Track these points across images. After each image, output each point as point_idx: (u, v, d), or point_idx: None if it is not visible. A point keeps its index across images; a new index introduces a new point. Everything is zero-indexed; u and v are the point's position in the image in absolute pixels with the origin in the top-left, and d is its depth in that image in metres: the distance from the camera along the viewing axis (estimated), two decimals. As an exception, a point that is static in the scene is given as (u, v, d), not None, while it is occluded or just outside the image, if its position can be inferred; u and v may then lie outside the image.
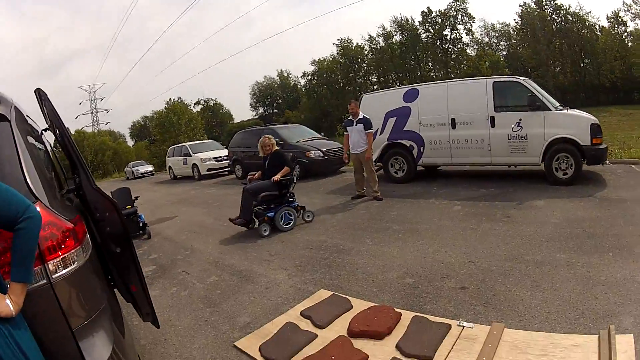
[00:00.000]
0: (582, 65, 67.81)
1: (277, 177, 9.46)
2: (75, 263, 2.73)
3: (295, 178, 10.05)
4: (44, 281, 2.54)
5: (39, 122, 4.35)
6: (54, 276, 2.57)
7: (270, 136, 10.53)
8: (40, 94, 3.78)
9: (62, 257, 2.65)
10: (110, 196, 3.40)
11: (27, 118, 3.50)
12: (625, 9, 64.55)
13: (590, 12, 68.15)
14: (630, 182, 10.50)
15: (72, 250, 2.72)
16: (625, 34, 65.42)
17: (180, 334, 5.06)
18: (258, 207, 9.39)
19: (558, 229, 7.15)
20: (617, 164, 13.06)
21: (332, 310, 4.69)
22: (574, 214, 8.00)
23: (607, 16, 67.17)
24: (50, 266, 2.57)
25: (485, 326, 4.06)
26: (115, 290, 4.14)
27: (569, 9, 67.68)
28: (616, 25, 65.94)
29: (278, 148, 10.28)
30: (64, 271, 2.64)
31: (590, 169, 11.51)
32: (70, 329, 2.58)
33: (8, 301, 2.22)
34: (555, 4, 68.63)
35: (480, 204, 9.63)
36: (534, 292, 4.84)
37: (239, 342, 4.52)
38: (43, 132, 4.39)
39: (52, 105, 3.71)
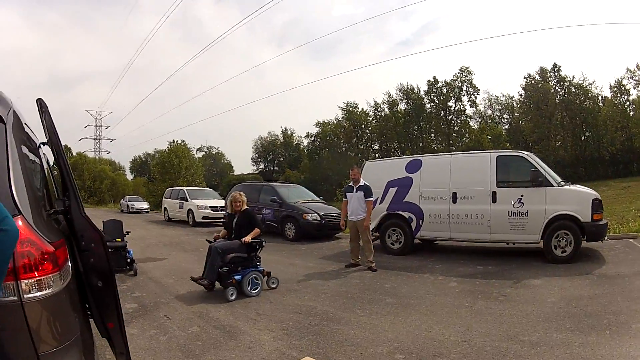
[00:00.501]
0: (582, 138, 68.44)
1: (248, 239, 8.99)
2: (51, 288, 2.66)
3: (264, 242, 9.58)
4: (15, 298, 2.49)
5: (39, 134, 4.28)
6: (26, 296, 2.52)
7: (242, 193, 10.25)
8: (41, 105, 3.70)
9: (37, 279, 2.59)
10: (98, 227, 3.41)
11: (24, 126, 3.43)
12: (629, 76, 65.63)
13: (593, 82, 68.62)
14: (629, 257, 10.60)
15: (49, 275, 2.66)
16: (628, 102, 66.25)
17: None
18: (223, 269, 8.77)
19: (555, 308, 7.08)
20: (616, 239, 13.05)
21: None
22: (571, 293, 7.95)
23: (610, 85, 68.09)
24: (23, 285, 2.52)
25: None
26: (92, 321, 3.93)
27: (572, 79, 68.72)
28: (619, 95, 66.78)
29: (248, 207, 9.91)
30: (38, 294, 2.58)
31: (588, 245, 11.39)
32: (36, 353, 2.52)
33: None
34: (560, 75, 69.54)
35: (477, 282, 9.51)
36: (529, 375, 4.62)
37: None
38: (41, 145, 4.32)
39: (52, 120, 3.63)
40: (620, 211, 20.78)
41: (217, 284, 8.93)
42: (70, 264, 3.08)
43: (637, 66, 64.56)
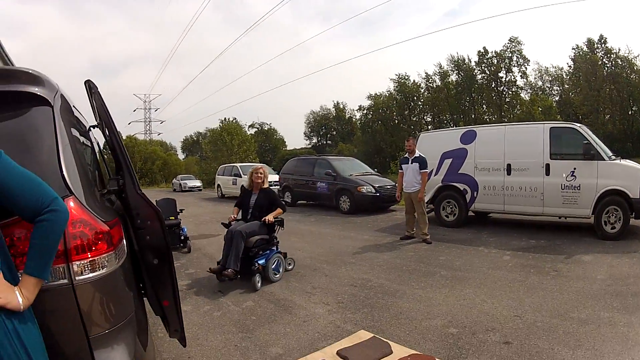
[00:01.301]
0: (630, 112, 66.27)
1: (271, 218, 8.27)
2: (105, 269, 2.66)
3: (283, 221, 8.82)
4: (65, 281, 2.48)
5: (89, 119, 4.34)
6: (77, 278, 2.51)
7: (265, 167, 9.68)
8: (90, 86, 3.70)
9: (90, 259, 2.57)
10: (155, 204, 3.33)
11: (73, 109, 3.45)
12: None
13: (638, 55, 66.74)
14: None
15: (104, 255, 2.65)
16: None
17: (206, 355, 5.01)
18: (248, 254, 7.91)
19: (604, 286, 7.06)
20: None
21: (370, 353, 4.47)
22: (619, 271, 7.90)
23: (655, 59, 65.78)
24: (74, 267, 2.50)
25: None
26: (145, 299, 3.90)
27: (618, 52, 66.51)
28: None
29: (269, 185, 9.06)
30: (91, 275, 2.57)
31: (637, 223, 11.31)
32: (87, 336, 2.53)
33: (18, 293, 2.10)
34: (606, 47, 67.51)
35: (530, 256, 9.46)
36: (576, 351, 4.76)
37: None
38: (91, 128, 4.37)
39: (102, 100, 3.56)
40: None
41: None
42: (125, 243, 3.08)
43: None
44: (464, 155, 13.22)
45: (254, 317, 6.22)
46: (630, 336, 5.03)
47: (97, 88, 3.61)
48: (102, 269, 2.63)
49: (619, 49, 66.47)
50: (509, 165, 12.25)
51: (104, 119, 3.68)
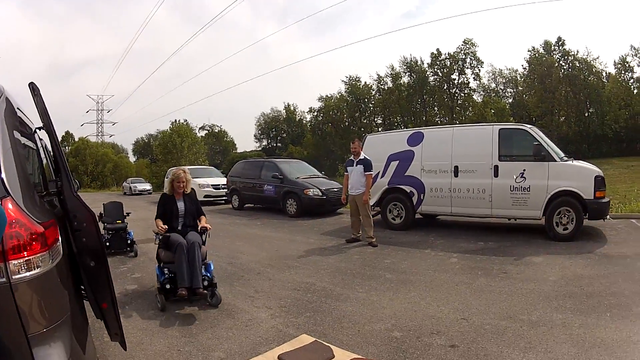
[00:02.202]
0: (586, 114, 68.22)
1: (209, 226, 7.46)
2: (39, 268, 2.68)
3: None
4: (4, 279, 2.52)
5: (36, 121, 4.27)
6: (14, 277, 2.55)
7: (187, 170, 7.90)
8: (33, 88, 3.68)
9: (26, 259, 2.62)
10: (91, 208, 3.46)
11: (17, 111, 3.49)
12: (633, 54, 65.31)
13: (597, 57, 68.38)
14: (631, 237, 10.53)
15: (38, 255, 2.69)
16: (632, 80, 66.15)
17: (149, 359, 4.94)
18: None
19: (556, 287, 7.02)
20: (618, 218, 13.05)
21: (312, 357, 4.41)
22: (572, 272, 7.87)
23: (615, 62, 67.79)
24: (11, 266, 2.55)
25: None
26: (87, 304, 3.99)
27: (576, 54, 68.34)
28: (623, 72, 66.55)
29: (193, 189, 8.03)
30: (27, 274, 2.61)
31: (590, 224, 11.40)
32: (25, 334, 2.55)
33: None
34: (564, 49, 69.16)
35: (477, 258, 9.46)
36: (527, 354, 4.66)
37: None
38: (37, 130, 4.37)
39: (44, 102, 3.65)
40: (623, 190, 20.76)
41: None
42: (61, 245, 3.09)
43: None
44: (411, 157, 13.14)
45: (197, 321, 6.17)
46: (586, 338, 4.95)
47: (39, 90, 3.68)
48: (37, 268, 2.68)
49: (577, 51, 68.88)
50: (456, 167, 12.23)
51: (44, 122, 3.79)
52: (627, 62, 66.10)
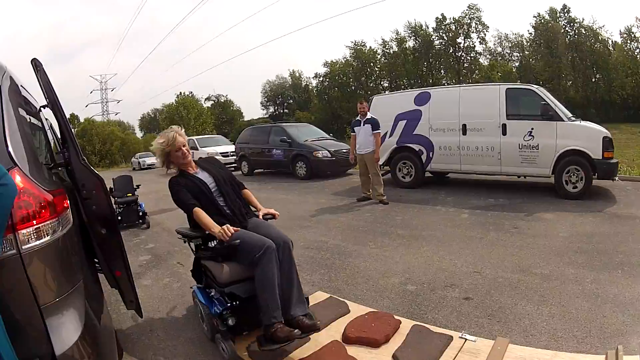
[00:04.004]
0: (593, 80, 67.54)
1: (275, 212, 4.90)
2: (49, 236, 2.63)
3: None
4: (14, 251, 2.45)
5: (41, 100, 4.20)
6: (24, 247, 2.48)
7: (180, 130, 4.72)
8: (36, 64, 3.65)
9: (35, 227, 2.55)
10: (97, 173, 3.43)
11: (21, 89, 3.42)
12: (638, 24, 64.37)
13: (603, 26, 67.62)
14: None
15: (47, 222, 2.64)
16: (638, 50, 65.28)
17: (167, 327, 4.95)
18: None
19: (567, 243, 7.01)
20: (627, 180, 12.92)
21: (328, 313, 4.51)
22: (583, 229, 7.86)
23: (620, 31, 66.75)
24: (20, 236, 2.48)
25: (489, 340, 3.86)
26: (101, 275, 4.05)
27: (582, 22, 67.59)
28: (628, 41, 65.70)
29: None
30: (36, 242, 2.54)
31: (599, 184, 11.37)
32: (38, 304, 2.50)
33: None
34: (569, 16, 68.46)
35: (489, 214, 9.46)
36: (541, 307, 4.69)
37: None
38: (42, 108, 4.30)
39: (47, 77, 3.60)
40: (631, 155, 20.57)
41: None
42: (70, 213, 3.07)
43: None
44: (419, 117, 13.09)
45: None
46: (599, 293, 4.95)
47: (42, 66, 3.64)
48: (47, 236, 2.61)
49: (583, 19, 67.75)
50: (464, 126, 12.21)
51: (49, 96, 3.70)
52: (633, 33, 65.15)
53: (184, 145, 4.54)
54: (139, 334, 4.80)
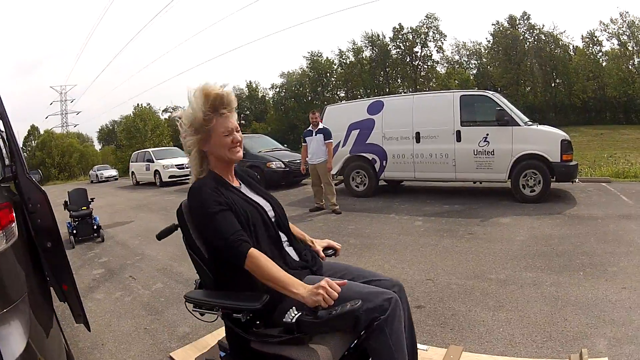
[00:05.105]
0: (553, 85, 69.38)
1: (336, 244, 3.35)
2: None
3: None
4: None
5: None
6: None
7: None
8: None
9: None
10: (42, 188, 3.44)
11: None
12: (602, 29, 66.65)
13: (564, 31, 69.91)
14: (602, 199, 10.51)
15: None
16: (600, 53, 67.35)
17: (118, 340, 4.92)
18: None
19: (524, 247, 6.98)
20: (588, 182, 13.09)
21: None
22: (541, 232, 7.85)
23: (582, 36, 68.94)
24: None
25: (442, 349, 3.72)
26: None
27: (542, 28, 69.33)
28: (591, 45, 67.79)
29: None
30: None
31: (559, 187, 11.51)
32: None
33: None
34: (529, 23, 70.15)
35: (443, 220, 9.45)
36: (497, 313, 4.58)
37: (175, 353, 4.30)
38: None
39: None
40: (592, 157, 20.93)
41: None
42: (16, 226, 3.07)
43: (611, 20, 65.79)
44: (372, 126, 13.21)
45: (163, 298, 6.19)
46: (559, 296, 4.90)
47: None
48: None
49: (543, 25, 69.89)
50: (417, 134, 12.29)
51: None
52: (596, 37, 67.49)
53: (237, 130, 2.80)
54: (92, 347, 4.77)
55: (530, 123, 11.39)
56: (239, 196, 2.73)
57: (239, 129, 2.85)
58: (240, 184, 2.94)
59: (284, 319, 2.23)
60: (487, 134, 11.04)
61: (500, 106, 11.02)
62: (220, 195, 2.57)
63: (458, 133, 11.50)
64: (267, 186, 15.80)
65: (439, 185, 13.93)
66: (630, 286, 5.07)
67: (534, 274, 5.71)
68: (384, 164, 12.99)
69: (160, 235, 3.06)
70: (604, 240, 7.00)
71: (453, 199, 11.93)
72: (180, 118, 2.77)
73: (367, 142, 13.22)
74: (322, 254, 3.12)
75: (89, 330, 4.13)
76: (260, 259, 2.38)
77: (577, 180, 10.93)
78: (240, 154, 2.81)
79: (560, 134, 10.81)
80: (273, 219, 2.83)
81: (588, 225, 8.06)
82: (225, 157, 2.75)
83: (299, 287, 2.26)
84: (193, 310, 2.74)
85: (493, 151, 10.98)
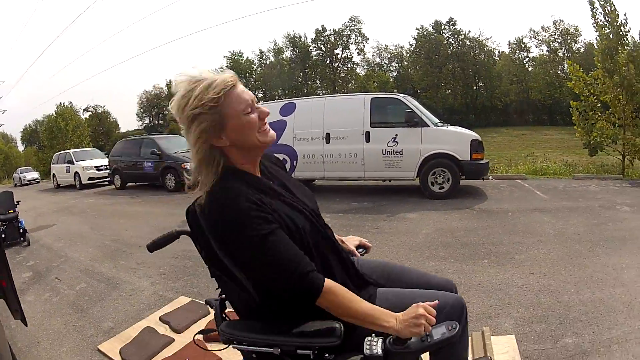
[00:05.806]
0: (475, 88, 71.52)
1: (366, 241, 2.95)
2: None
3: None
4: None
5: None
6: None
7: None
8: None
9: None
10: None
11: None
12: (532, 35, 70.07)
13: (490, 37, 72.18)
14: (514, 195, 10.97)
15: None
16: (527, 59, 70.51)
17: (51, 338, 5.07)
18: None
19: (429, 239, 7.32)
20: (502, 179, 13.53)
21: (190, 315, 4.82)
22: (448, 225, 8.21)
23: (509, 42, 72.21)
24: None
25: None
26: None
27: (468, 33, 71.19)
28: (517, 51, 70.58)
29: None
30: None
31: (472, 184, 11.94)
32: None
33: None
34: (454, 28, 71.73)
35: (350, 216, 9.82)
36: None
37: (102, 346, 4.55)
38: None
39: None
40: (511, 156, 21.50)
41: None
42: None
43: (543, 27, 69.07)
44: (283, 127, 13.43)
45: (87, 297, 6.36)
46: (461, 282, 5.17)
47: None
48: None
49: (469, 31, 72.52)
50: (327, 134, 12.68)
51: None
52: (524, 43, 70.75)
53: (254, 101, 2.09)
54: (29, 345, 4.92)
55: (441, 124, 11.87)
56: (281, 200, 2.03)
57: (248, 98, 2.05)
58: (273, 181, 2.17)
59: (365, 350, 1.79)
60: (397, 135, 11.51)
61: (410, 108, 11.51)
62: (264, 206, 1.86)
63: (367, 134, 11.97)
64: (183, 187, 16.43)
65: (350, 184, 14.37)
66: (539, 272, 5.43)
67: (437, 262, 6.04)
68: (295, 163, 13.37)
69: (156, 247, 2.58)
70: (513, 232, 7.41)
71: (363, 196, 12.38)
72: (182, 117, 1.98)
73: (278, 142, 13.26)
74: (357, 254, 2.68)
75: (26, 325, 4.05)
76: (338, 294, 1.86)
77: (490, 177, 11.36)
78: (273, 132, 2.08)
79: (470, 134, 11.31)
80: (320, 225, 2.23)
81: (497, 218, 8.47)
82: (257, 142, 2.00)
83: (390, 319, 1.85)
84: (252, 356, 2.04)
85: (402, 151, 11.47)
